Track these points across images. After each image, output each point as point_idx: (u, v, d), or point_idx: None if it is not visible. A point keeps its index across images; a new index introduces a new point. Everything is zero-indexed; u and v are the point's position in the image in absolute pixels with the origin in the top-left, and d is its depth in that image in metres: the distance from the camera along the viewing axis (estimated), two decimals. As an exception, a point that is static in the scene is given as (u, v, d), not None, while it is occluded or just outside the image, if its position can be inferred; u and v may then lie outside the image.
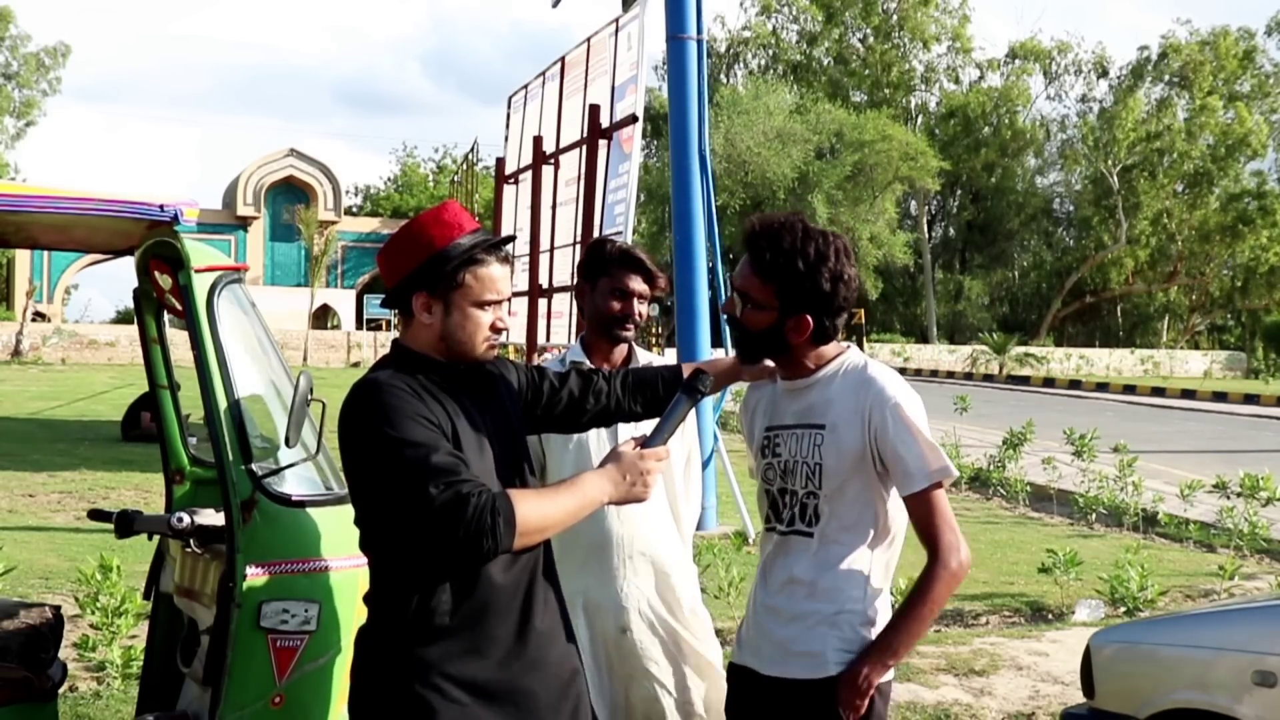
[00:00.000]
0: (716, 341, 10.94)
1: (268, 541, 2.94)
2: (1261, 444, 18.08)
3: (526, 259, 13.27)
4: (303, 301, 41.76)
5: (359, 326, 43.05)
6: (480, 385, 2.45)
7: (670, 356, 10.66)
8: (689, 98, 10.35)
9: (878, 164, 43.95)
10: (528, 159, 14.29)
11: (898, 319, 55.17)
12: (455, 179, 40.74)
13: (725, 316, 2.66)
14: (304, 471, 3.08)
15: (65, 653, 4.23)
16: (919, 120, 54.83)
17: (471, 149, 29.34)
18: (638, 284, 3.24)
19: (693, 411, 2.60)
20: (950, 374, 38.97)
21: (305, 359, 35.63)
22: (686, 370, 2.68)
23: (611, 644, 3.17)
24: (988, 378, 37.90)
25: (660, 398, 2.72)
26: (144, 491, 10.73)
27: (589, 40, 13.06)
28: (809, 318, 2.50)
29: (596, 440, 3.18)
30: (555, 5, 14.49)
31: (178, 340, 3.55)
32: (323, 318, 45.39)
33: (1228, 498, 9.72)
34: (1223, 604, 5.45)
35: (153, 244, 3.36)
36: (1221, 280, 53.78)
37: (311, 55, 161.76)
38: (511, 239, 2.55)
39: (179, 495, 3.75)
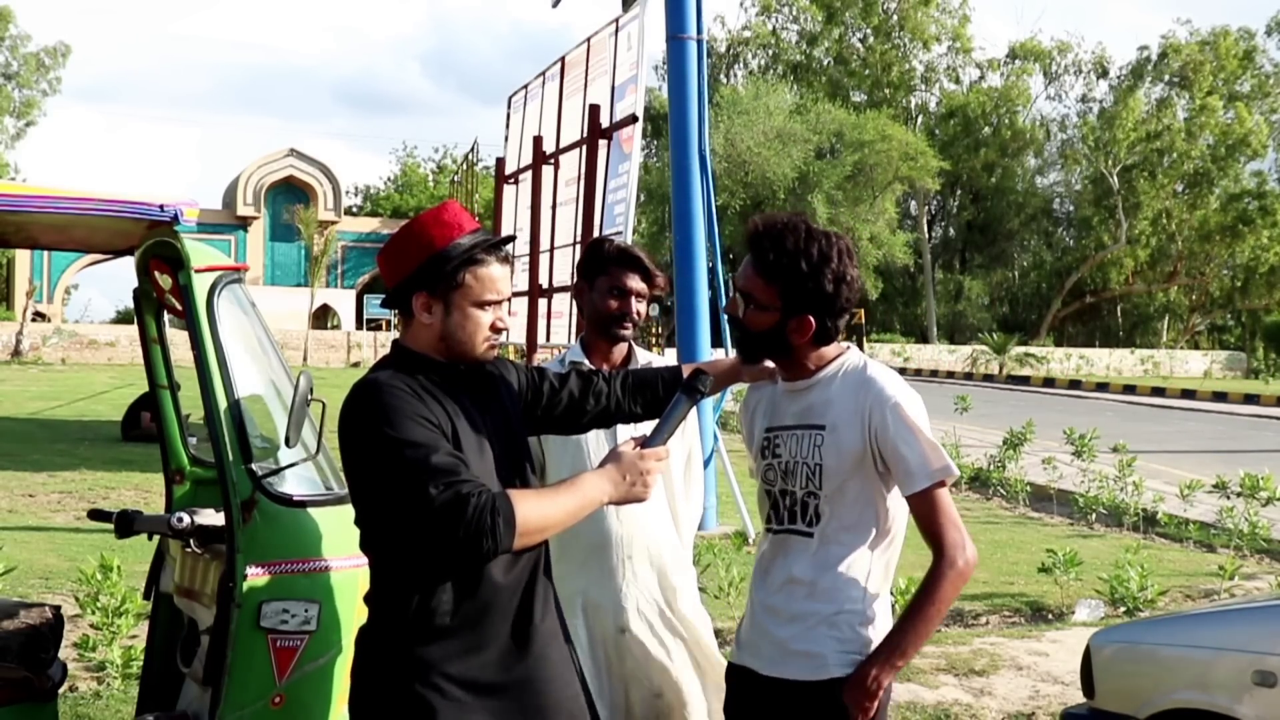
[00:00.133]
0: (716, 341, 10.93)
1: (268, 541, 2.94)
2: (1261, 444, 18.08)
3: (526, 259, 13.27)
4: (303, 301, 41.75)
5: (359, 326, 43.03)
6: (480, 385, 2.45)
7: (670, 356, 10.65)
8: (689, 98, 10.35)
9: (878, 164, 43.94)
10: (528, 159, 14.29)
11: (898, 319, 55.15)
12: (455, 179, 40.72)
13: (726, 316, 2.66)
14: (304, 471, 3.08)
15: (65, 653, 4.23)
16: (919, 120, 54.81)
17: (471, 149, 29.38)
18: (636, 283, 3.24)
19: (693, 412, 2.60)
20: (950, 374, 38.97)
21: (305, 359, 35.62)
22: (686, 371, 2.67)
23: (611, 644, 3.17)
24: (988, 378, 37.90)
25: (660, 398, 2.71)
26: (144, 491, 10.73)
27: (589, 40, 13.06)
28: (811, 319, 2.50)
29: (595, 441, 3.17)
30: (555, 5, 14.50)
31: (178, 340, 3.55)
32: (323, 318, 45.39)
33: (1228, 498, 9.72)
34: (1223, 604, 5.45)
35: (153, 244, 3.36)
36: (1221, 280, 53.76)
37: (311, 55, 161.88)
38: (511, 239, 2.55)
39: (179, 495, 3.75)
